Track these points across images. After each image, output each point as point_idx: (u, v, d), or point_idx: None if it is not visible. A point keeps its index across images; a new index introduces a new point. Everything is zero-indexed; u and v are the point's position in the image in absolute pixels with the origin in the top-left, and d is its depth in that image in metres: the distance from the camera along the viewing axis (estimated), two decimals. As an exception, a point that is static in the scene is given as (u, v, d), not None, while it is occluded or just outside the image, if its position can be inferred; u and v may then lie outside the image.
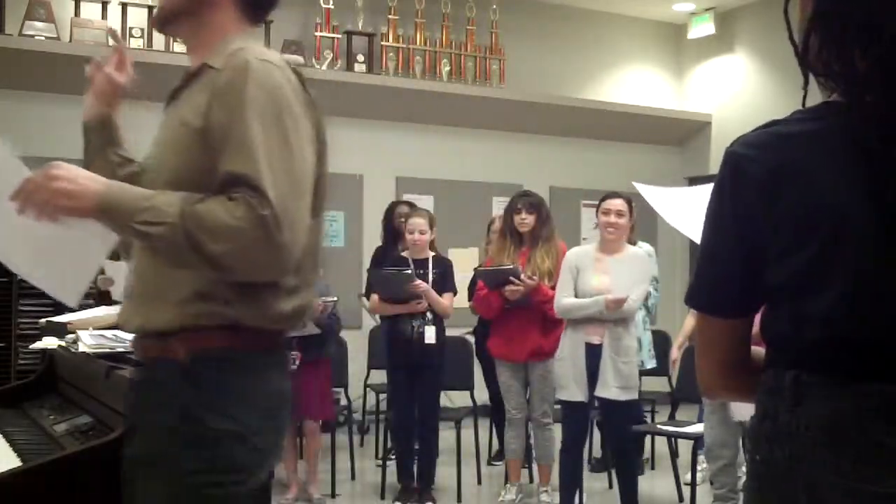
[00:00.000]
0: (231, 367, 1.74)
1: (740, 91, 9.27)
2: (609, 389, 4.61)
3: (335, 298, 5.31)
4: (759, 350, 1.44)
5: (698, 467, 5.21)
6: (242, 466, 1.73)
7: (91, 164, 2.04)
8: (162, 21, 1.95)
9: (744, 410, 3.88)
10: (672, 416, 5.74)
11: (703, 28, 9.45)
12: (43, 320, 3.72)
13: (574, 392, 4.68)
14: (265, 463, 1.81)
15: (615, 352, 4.62)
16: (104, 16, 7.36)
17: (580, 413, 4.78)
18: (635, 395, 4.81)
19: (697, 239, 1.47)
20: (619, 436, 4.88)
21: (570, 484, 4.83)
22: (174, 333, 1.74)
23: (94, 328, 2.88)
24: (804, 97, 1.37)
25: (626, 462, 4.87)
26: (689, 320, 5.67)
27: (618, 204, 4.77)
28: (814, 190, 1.29)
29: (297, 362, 5.18)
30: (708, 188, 1.43)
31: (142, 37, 7.47)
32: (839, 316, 1.28)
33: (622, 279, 4.63)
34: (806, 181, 1.30)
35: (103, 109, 2.07)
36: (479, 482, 5.99)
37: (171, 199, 1.66)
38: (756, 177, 1.33)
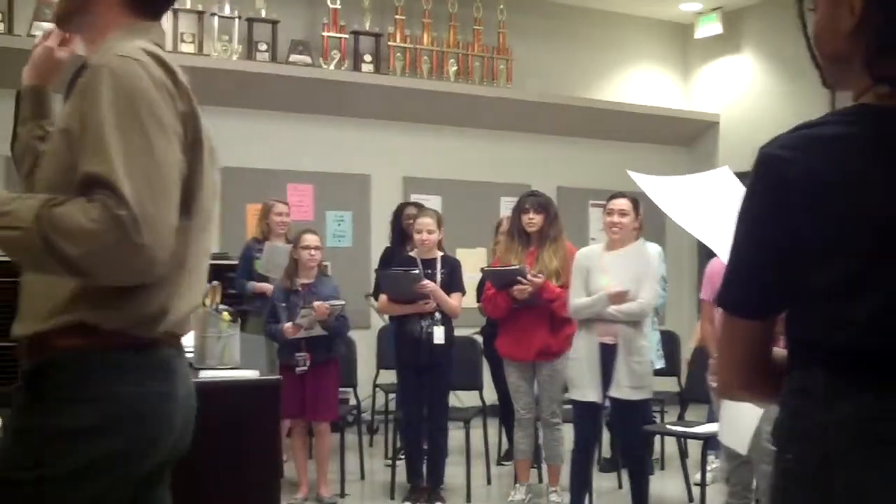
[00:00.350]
0: (78, 367, 1.69)
1: (747, 91, 9.25)
2: (622, 389, 4.62)
3: (343, 302, 5.30)
4: (779, 351, 1.44)
5: (708, 467, 5.20)
6: (73, 466, 1.67)
7: (17, 135, 2.06)
8: (57, 19, 1.94)
9: (732, 438, 3.87)
10: (681, 417, 5.74)
11: (710, 28, 9.42)
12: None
13: (587, 392, 4.68)
14: (111, 463, 1.70)
15: (628, 352, 4.62)
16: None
17: (593, 414, 4.78)
18: (648, 395, 4.81)
19: (691, 230, 1.46)
20: (631, 435, 4.88)
21: (581, 484, 4.83)
22: (32, 336, 1.72)
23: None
24: (832, 99, 1.36)
25: (637, 462, 4.86)
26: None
27: (621, 203, 4.78)
28: (856, 196, 1.28)
29: (308, 363, 5.19)
30: (705, 176, 1.43)
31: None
32: (875, 323, 1.27)
33: (619, 273, 4.64)
34: (847, 187, 1.28)
35: (38, 80, 2.06)
36: (489, 482, 5.99)
37: (28, 204, 1.61)
38: (795, 179, 1.30)
